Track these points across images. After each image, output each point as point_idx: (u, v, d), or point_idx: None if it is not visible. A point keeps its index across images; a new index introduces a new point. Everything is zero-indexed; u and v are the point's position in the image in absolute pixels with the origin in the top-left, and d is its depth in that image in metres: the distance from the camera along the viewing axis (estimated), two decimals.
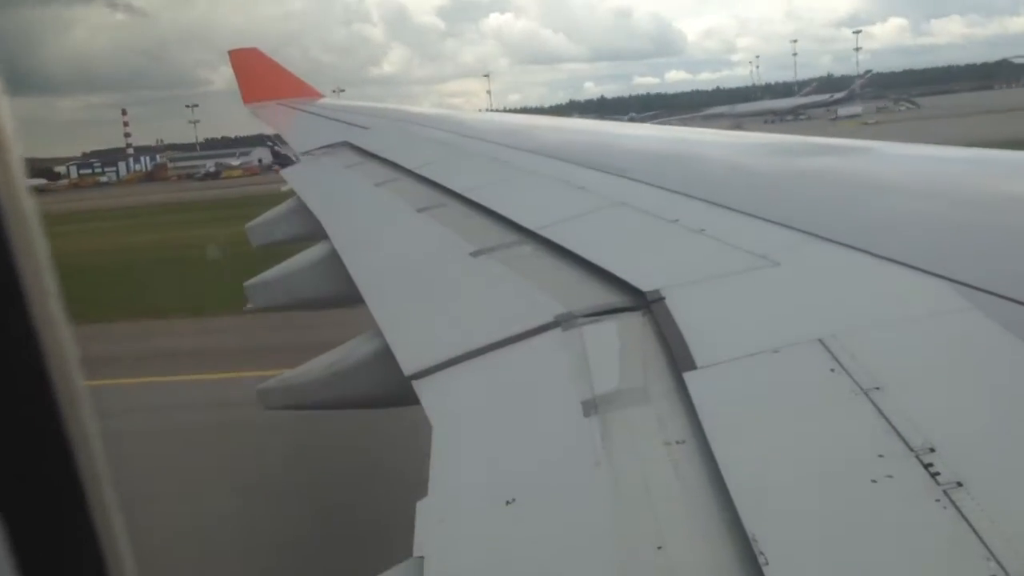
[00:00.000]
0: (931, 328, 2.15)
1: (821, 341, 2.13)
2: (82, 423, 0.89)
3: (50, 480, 0.88)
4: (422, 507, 1.96)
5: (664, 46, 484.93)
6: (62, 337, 0.88)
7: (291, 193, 8.27)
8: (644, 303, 2.72)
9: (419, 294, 3.91)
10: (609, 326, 2.68)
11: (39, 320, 0.86)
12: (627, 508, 1.74)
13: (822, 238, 2.83)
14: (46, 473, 0.88)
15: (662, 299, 2.66)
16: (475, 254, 3.89)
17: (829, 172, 4.24)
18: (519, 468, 2.13)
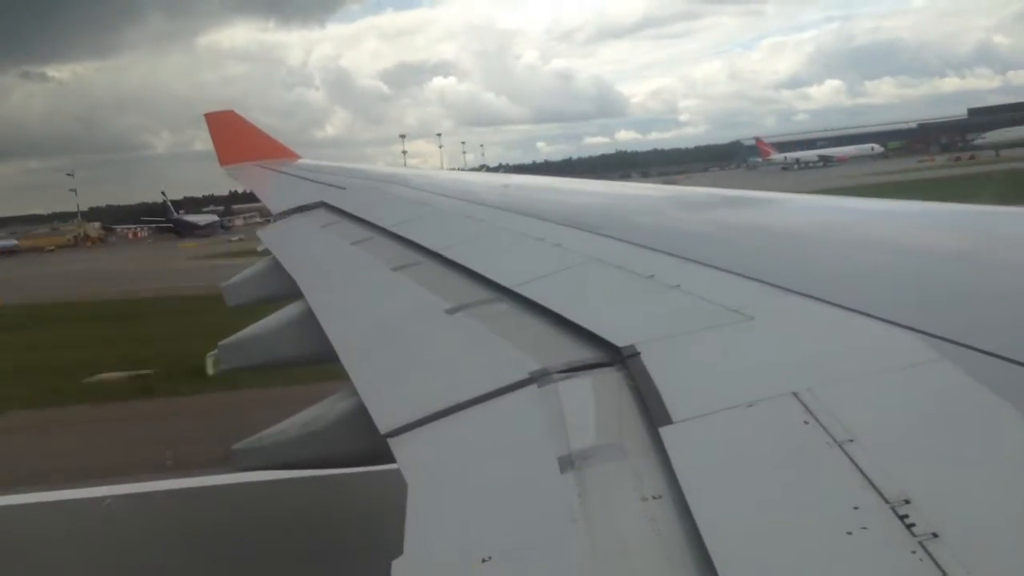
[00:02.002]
0: (902, 379, 2.18)
1: (795, 394, 2.14)
2: None
3: None
4: (397, 566, 1.94)
5: (606, 107, 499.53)
6: None
7: (267, 253, 8.28)
8: (620, 358, 2.73)
9: (394, 352, 3.90)
10: (584, 382, 2.68)
11: None
12: (604, 564, 1.73)
13: (793, 291, 2.87)
14: None
15: (637, 354, 2.67)
16: (450, 311, 3.89)
17: (797, 225, 4.31)
18: (495, 525, 2.11)
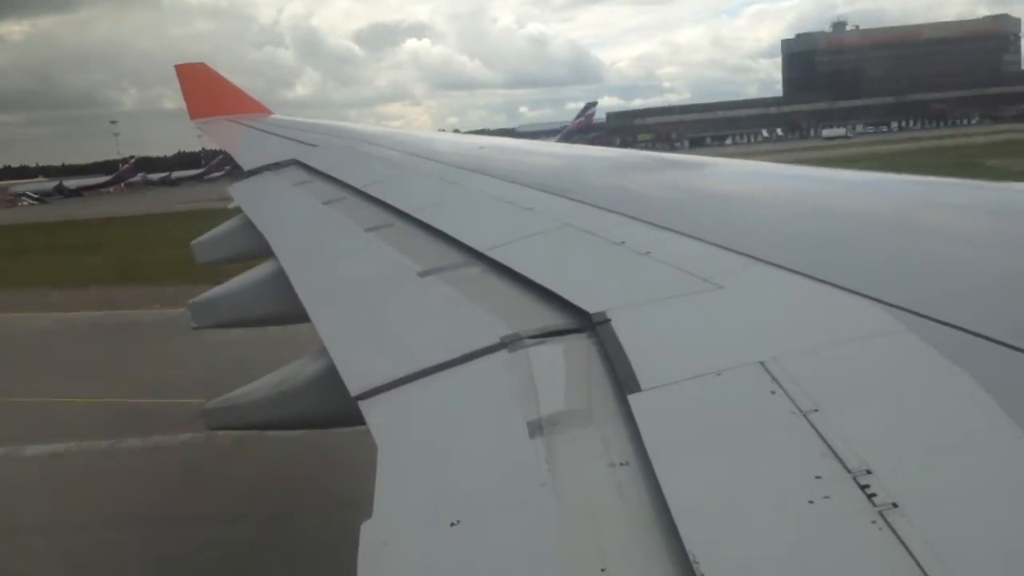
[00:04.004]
0: (867, 350, 2.21)
1: (762, 364, 2.17)
2: None
3: None
4: (366, 528, 1.95)
5: (581, 73, 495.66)
6: None
7: (238, 210, 8.18)
8: (590, 325, 2.74)
9: (366, 314, 3.88)
10: (555, 347, 2.70)
11: None
12: (571, 530, 1.75)
13: (763, 261, 2.89)
14: None
15: (608, 321, 2.69)
16: (423, 274, 3.88)
17: (768, 195, 4.33)
18: (464, 489, 2.12)
